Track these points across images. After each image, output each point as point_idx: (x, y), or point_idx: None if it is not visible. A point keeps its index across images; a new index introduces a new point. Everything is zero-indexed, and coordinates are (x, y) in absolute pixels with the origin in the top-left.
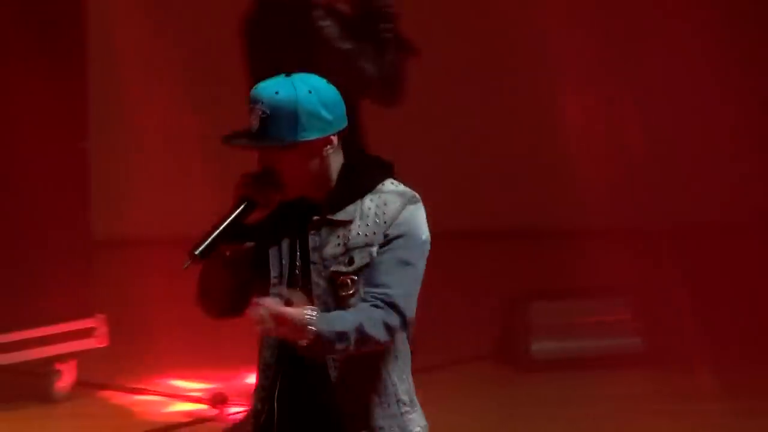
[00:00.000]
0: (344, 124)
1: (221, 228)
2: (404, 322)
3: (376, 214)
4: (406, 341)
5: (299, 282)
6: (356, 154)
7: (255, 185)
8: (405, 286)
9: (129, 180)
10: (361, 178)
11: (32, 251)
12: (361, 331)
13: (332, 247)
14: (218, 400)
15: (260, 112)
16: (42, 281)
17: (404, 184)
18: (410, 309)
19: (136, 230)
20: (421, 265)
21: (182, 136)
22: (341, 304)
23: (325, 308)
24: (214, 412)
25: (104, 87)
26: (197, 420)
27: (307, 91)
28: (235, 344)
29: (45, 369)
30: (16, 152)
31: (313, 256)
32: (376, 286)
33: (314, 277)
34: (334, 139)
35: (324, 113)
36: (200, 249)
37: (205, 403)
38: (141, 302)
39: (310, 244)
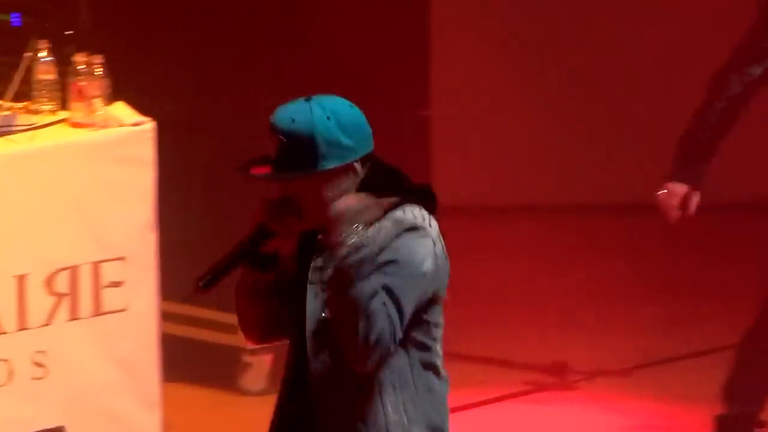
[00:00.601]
0: (369, 148)
1: (228, 259)
2: (377, 348)
3: (373, 240)
4: (414, 373)
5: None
6: (384, 176)
7: (272, 213)
8: (392, 311)
9: (468, 149)
10: (378, 203)
11: None
12: (374, 307)
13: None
14: (558, 368)
15: (278, 141)
16: None
17: (425, 211)
18: (384, 339)
19: (475, 199)
20: (410, 296)
21: (520, 105)
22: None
23: (316, 329)
24: (554, 380)
25: (445, 54)
26: (536, 388)
27: (325, 117)
28: (580, 314)
29: None
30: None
31: (313, 276)
32: None
33: (309, 296)
34: (357, 165)
35: (344, 140)
36: (204, 280)
37: (544, 372)
38: (482, 271)
39: (312, 264)
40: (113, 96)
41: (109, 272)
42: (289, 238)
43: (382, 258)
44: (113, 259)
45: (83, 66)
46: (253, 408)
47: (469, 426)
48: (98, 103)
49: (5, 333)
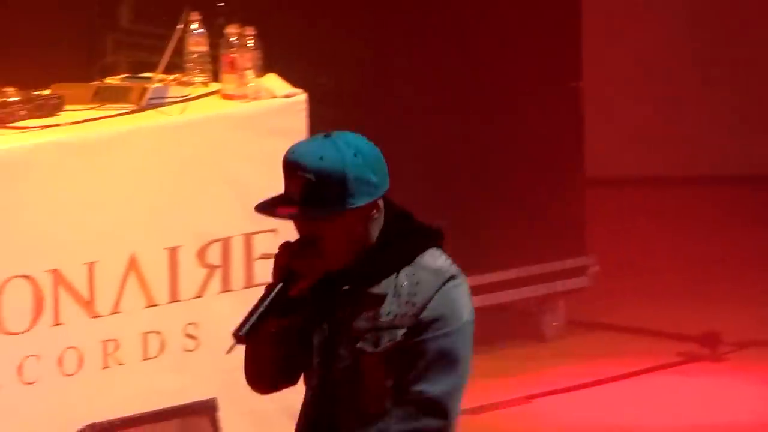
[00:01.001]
0: (387, 185)
1: (263, 307)
2: (447, 425)
3: (408, 293)
4: None
5: (328, 352)
6: (398, 218)
7: (296, 255)
8: (448, 381)
9: (620, 120)
10: (401, 247)
11: (527, 190)
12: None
13: (361, 321)
14: (710, 339)
15: (303, 180)
16: (536, 220)
17: (447, 255)
18: (455, 408)
19: (626, 170)
20: (465, 351)
21: (670, 75)
22: (364, 384)
23: (348, 384)
24: (705, 351)
25: (596, 26)
26: (688, 359)
27: (353, 154)
28: (730, 284)
29: (539, 307)
30: (512, 93)
31: (340, 328)
32: (412, 383)
33: (340, 350)
34: (381, 202)
35: (371, 177)
36: (244, 329)
37: (695, 342)
38: (631, 241)
39: (339, 314)
40: (265, 68)
41: (261, 244)
42: (314, 279)
43: (426, 316)
44: (265, 231)
45: (235, 38)
46: None
47: (619, 396)
48: (250, 75)
49: (157, 305)
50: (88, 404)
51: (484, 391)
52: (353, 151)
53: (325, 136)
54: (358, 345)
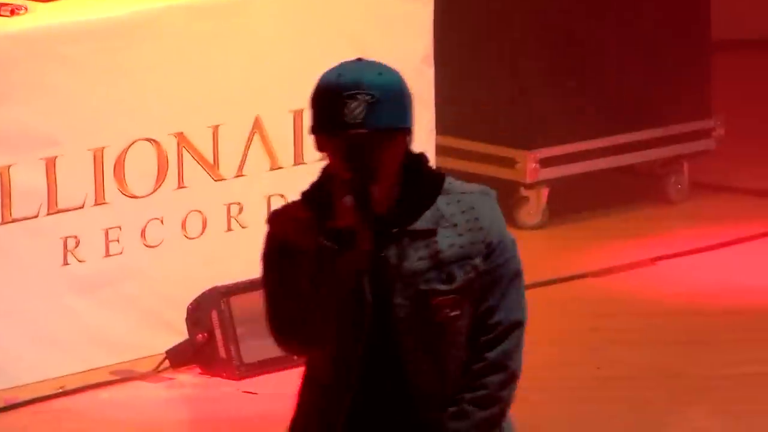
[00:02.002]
0: None
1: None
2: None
3: (467, 219)
4: None
5: (371, 307)
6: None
7: (358, 210)
8: (522, 302)
9: None
10: (428, 177)
11: (655, 52)
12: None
13: (415, 262)
14: None
15: (367, 97)
16: (662, 82)
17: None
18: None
19: (759, 32)
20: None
21: None
22: (434, 328)
23: (411, 333)
24: None
25: None
26: None
27: (398, 72)
28: None
29: (664, 169)
30: None
31: (392, 274)
32: (490, 313)
33: (397, 299)
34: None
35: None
36: None
37: None
38: (757, 104)
39: (391, 260)
40: None
41: None
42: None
43: (494, 240)
44: None
45: None
46: (530, 242)
47: (745, 258)
48: None
49: (281, 168)
50: (212, 267)
51: (611, 253)
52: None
53: (358, 59)
54: (424, 287)
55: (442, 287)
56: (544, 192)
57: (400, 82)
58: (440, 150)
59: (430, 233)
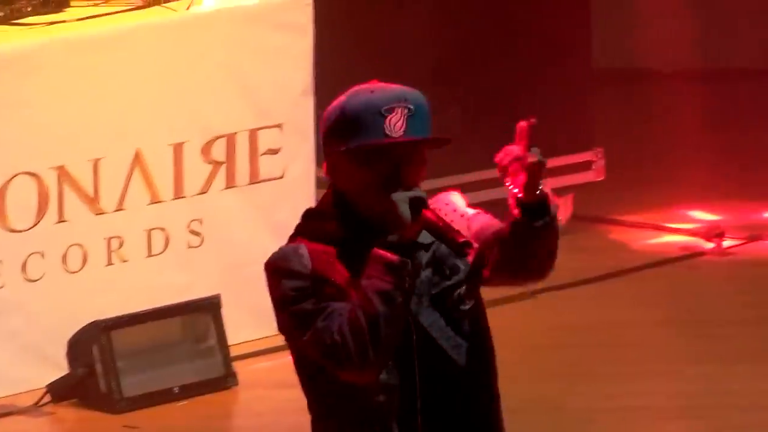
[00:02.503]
0: None
1: None
2: None
3: (445, 224)
4: None
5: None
6: None
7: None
8: None
9: (629, 11)
10: None
11: (533, 83)
12: None
13: (424, 273)
14: (714, 233)
15: (407, 111)
16: (542, 114)
17: None
18: None
19: (638, 62)
20: None
21: None
22: (461, 321)
23: (444, 336)
24: (710, 245)
25: None
26: (693, 254)
27: None
28: (737, 178)
29: None
30: None
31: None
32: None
33: (415, 313)
34: None
35: None
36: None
37: (701, 237)
38: (639, 136)
39: (426, 282)
40: None
41: (265, 139)
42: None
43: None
44: (270, 126)
45: None
46: None
47: (626, 289)
48: None
49: (162, 202)
50: (92, 301)
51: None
52: None
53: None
54: (436, 290)
55: (450, 282)
56: None
57: (422, 96)
58: (321, 182)
59: (431, 245)
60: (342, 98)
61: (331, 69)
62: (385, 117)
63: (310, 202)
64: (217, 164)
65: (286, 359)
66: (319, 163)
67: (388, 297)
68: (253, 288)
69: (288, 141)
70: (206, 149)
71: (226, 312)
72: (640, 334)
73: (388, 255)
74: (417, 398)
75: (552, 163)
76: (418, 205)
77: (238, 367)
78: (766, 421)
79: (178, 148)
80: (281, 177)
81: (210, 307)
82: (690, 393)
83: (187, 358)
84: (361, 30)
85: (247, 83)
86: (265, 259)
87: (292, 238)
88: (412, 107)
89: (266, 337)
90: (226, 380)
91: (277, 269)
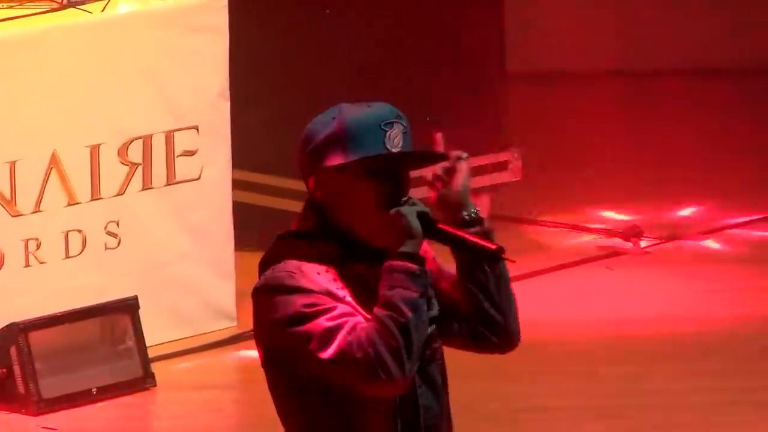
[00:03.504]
0: None
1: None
2: None
3: None
4: None
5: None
6: None
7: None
8: None
9: (543, 12)
10: None
11: (449, 85)
12: None
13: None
14: (632, 232)
15: (402, 127)
16: (457, 115)
17: None
18: None
19: (551, 64)
20: None
21: None
22: (430, 357)
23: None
24: (628, 245)
25: None
26: (611, 253)
27: None
28: (653, 177)
29: None
30: None
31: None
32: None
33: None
34: None
35: None
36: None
37: (619, 236)
38: (554, 136)
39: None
40: None
41: (182, 141)
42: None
43: None
44: (186, 128)
45: None
46: None
47: (543, 291)
48: None
49: (79, 203)
50: (10, 303)
51: None
52: None
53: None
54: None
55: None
56: None
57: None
58: (237, 184)
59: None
60: (330, 114)
61: (247, 71)
62: (385, 131)
63: (227, 203)
64: (134, 166)
65: (204, 360)
66: (236, 165)
67: (415, 305)
68: (171, 289)
69: (204, 143)
70: (122, 151)
71: (143, 313)
72: (559, 334)
73: (410, 264)
74: (418, 407)
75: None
76: (427, 217)
77: (156, 368)
78: (685, 420)
79: (94, 150)
80: (198, 179)
81: (128, 308)
82: (609, 393)
83: (105, 360)
84: (278, 32)
85: (163, 85)
86: (182, 260)
87: (276, 262)
88: (405, 124)
89: (184, 338)
90: (144, 381)
91: (281, 287)
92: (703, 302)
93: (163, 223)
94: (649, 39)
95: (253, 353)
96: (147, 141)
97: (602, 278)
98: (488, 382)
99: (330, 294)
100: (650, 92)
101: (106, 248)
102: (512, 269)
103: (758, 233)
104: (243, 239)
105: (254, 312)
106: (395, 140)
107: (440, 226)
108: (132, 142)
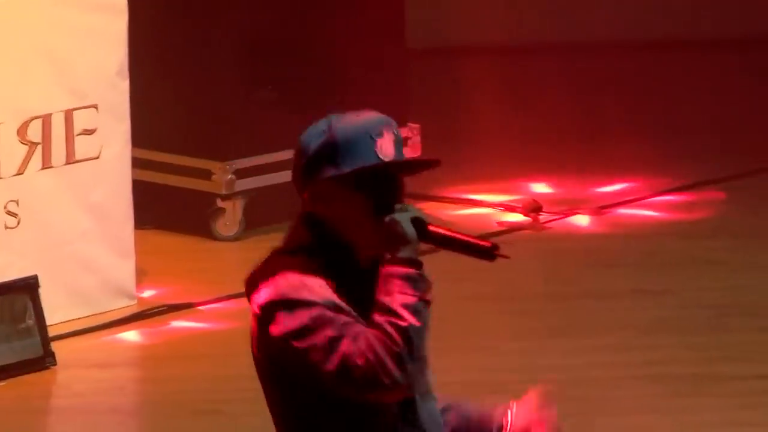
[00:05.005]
0: None
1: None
2: None
3: None
4: None
5: None
6: None
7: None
8: None
9: None
10: None
11: (352, 62)
12: None
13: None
14: (532, 208)
15: (393, 135)
16: (359, 91)
17: None
18: None
19: (452, 39)
20: None
21: None
22: None
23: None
24: (527, 220)
25: None
26: (511, 229)
27: None
28: (553, 152)
29: None
30: None
31: None
32: None
33: None
34: None
35: None
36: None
37: (518, 212)
38: (455, 112)
39: None
40: None
41: (81, 120)
42: None
43: None
44: (85, 107)
45: None
46: (226, 254)
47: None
48: None
49: None
50: None
51: None
52: None
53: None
54: None
55: None
56: (239, 203)
57: None
58: (136, 162)
59: None
60: (321, 126)
61: (146, 50)
62: (376, 141)
63: (126, 182)
64: (33, 145)
65: (105, 339)
66: (135, 144)
67: (415, 309)
68: (71, 268)
69: (103, 121)
70: (22, 130)
71: (43, 292)
72: (455, 309)
73: (408, 269)
74: (416, 408)
75: None
76: (421, 222)
77: (56, 347)
78: (581, 394)
79: None
80: (97, 157)
81: (27, 287)
82: (505, 368)
83: (4, 339)
84: (176, 9)
85: (62, 64)
86: (83, 239)
87: (272, 276)
88: (396, 132)
89: (84, 317)
90: (44, 360)
91: (287, 301)
92: (600, 277)
93: (63, 202)
94: (544, 12)
95: (153, 330)
96: (46, 120)
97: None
98: None
99: (334, 305)
100: (547, 67)
101: (5, 227)
102: None
103: (656, 209)
104: (142, 218)
105: (257, 326)
106: (386, 149)
107: (432, 228)
108: (31, 121)
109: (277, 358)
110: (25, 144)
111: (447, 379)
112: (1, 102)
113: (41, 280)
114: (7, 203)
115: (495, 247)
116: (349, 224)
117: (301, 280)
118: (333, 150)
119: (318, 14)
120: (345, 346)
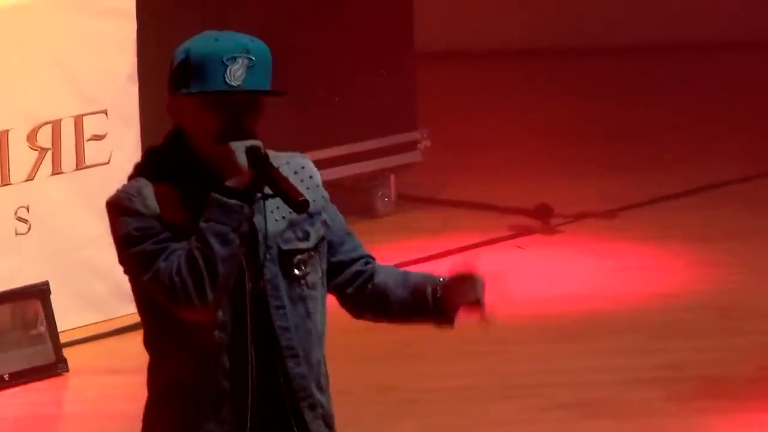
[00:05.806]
0: None
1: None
2: None
3: (302, 179)
4: None
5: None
6: None
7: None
8: None
9: None
10: None
11: (359, 66)
12: None
13: (274, 224)
14: (543, 211)
15: (248, 62)
16: (367, 96)
17: None
18: None
19: (460, 44)
20: None
21: None
22: (295, 282)
23: (277, 292)
24: (537, 224)
25: None
26: (522, 232)
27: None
28: (563, 156)
29: (370, 183)
30: None
31: (259, 237)
32: (358, 251)
33: (263, 260)
34: None
35: None
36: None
37: (529, 215)
38: (464, 116)
39: (256, 224)
40: None
41: (91, 125)
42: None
43: (326, 194)
44: (95, 113)
45: None
46: None
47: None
48: None
49: None
50: None
51: None
52: None
53: (218, 30)
54: (285, 246)
55: (302, 245)
56: None
57: (267, 48)
58: None
59: (274, 196)
60: (189, 40)
61: (155, 55)
62: (227, 66)
63: None
64: (43, 151)
65: (116, 345)
66: (144, 149)
67: (225, 239)
68: (82, 274)
69: (113, 127)
70: (32, 136)
71: (54, 298)
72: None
73: (225, 199)
74: (249, 339)
75: (377, 144)
76: (255, 153)
77: (68, 353)
78: (591, 398)
79: (3, 135)
80: (107, 163)
81: (39, 293)
82: (516, 372)
83: (16, 345)
84: (187, 15)
85: (72, 70)
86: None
87: (133, 177)
88: (253, 58)
89: (96, 323)
90: (56, 366)
91: (120, 208)
92: (611, 280)
93: (73, 207)
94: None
95: None
96: (56, 126)
97: (512, 257)
98: (398, 361)
99: (159, 219)
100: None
101: (16, 234)
102: (423, 249)
103: (665, 212)
104: None
105: None
106: (236, 75)
107: (267, 164)
108: (41, 126)
109: (118, 259)
110: (35, 150)
111: (457, 384)
112: (11, 108)
113: (52, 286)
114: (17, 209)
115: (306, 203)
116: (197, 141)
117: (139, 190)
118: (186, 70)
119: (327, 19)
120: (159, 262)
